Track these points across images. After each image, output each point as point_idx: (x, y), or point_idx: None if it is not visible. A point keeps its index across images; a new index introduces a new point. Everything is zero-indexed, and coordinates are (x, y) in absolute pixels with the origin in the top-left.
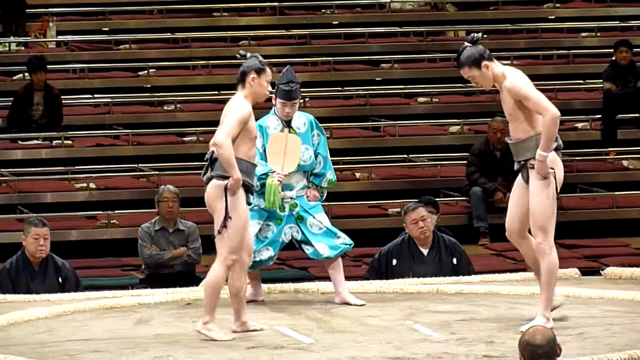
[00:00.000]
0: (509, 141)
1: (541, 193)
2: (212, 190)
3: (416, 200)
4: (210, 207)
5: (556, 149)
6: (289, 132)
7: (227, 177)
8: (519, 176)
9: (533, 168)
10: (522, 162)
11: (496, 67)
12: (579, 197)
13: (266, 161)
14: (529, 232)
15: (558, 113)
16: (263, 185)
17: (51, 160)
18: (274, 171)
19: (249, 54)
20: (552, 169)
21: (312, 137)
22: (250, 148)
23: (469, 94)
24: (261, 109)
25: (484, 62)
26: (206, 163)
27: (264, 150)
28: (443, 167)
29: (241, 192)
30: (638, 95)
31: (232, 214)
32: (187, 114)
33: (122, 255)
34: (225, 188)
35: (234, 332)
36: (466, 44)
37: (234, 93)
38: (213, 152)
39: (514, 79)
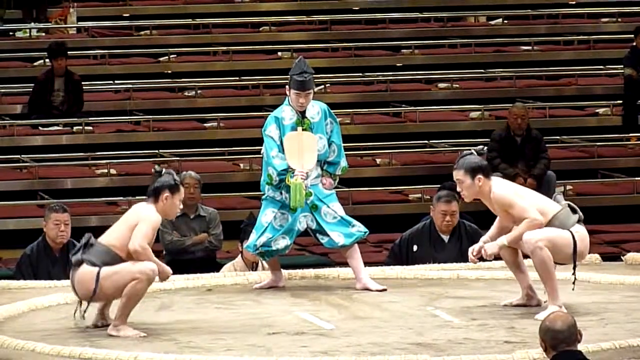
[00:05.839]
0: None
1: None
2: (87, 275)
3: (438, 186)
4: (84, 290)
5: (579, 221)
6: (303, 129)
7: (96, 265)
8: None
9: None
10: None
11: (487, 184)
12: (599, 183)
13: (284, 153)
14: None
15: (542, 221)
16: (281, 181)
17: (72, 146)
18: (294, 169)
19: (164, 170)
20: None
21: (325, 125)
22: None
23: (489, 79)
24: (277, 95)
25: (479, 176)
26: (80, 244)
27: (282, 143)
28: None
29: None
30: None
31: (108, 275)
32: (207, 100)
33: None
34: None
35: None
36: (473, 151)
37: (255, 78)
38: (90, 236)
39: (495, 189)
